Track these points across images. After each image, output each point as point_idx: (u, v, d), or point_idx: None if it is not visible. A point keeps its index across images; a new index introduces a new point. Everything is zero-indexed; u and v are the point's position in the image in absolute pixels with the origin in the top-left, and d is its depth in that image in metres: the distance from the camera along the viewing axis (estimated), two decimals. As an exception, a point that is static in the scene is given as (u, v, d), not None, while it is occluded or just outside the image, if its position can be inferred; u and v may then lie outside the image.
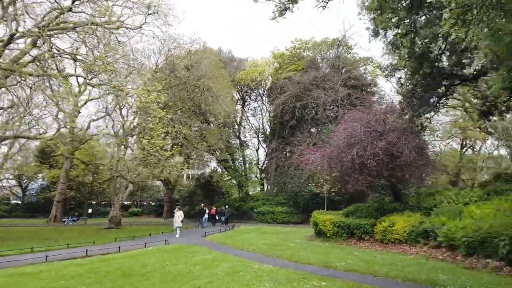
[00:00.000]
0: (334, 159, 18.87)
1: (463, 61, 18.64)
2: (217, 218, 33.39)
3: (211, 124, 40.57)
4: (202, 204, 33.95)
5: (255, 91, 47.63)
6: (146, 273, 11.11)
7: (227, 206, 35.30)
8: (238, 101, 47.49)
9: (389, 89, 76.06)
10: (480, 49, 10.83)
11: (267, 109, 47.85)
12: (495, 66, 12.00)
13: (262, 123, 48.58)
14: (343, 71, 41.14)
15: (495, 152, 40.83)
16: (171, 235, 23.57)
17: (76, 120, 31.10)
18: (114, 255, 15.47)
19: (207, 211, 32.18)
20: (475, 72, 20.26)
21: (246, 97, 48.13)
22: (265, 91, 46.79)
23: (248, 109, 49.61)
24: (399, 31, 22.08)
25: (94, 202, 53.50)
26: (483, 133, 35.34)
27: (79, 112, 29.60)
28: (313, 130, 40.89)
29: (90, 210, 46.74)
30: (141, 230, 28.74)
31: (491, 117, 21.27)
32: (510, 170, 21.76)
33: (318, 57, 44.85)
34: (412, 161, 17.40)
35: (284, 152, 41.05)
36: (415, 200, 19.52)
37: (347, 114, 21.22)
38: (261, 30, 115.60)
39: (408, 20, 19.41)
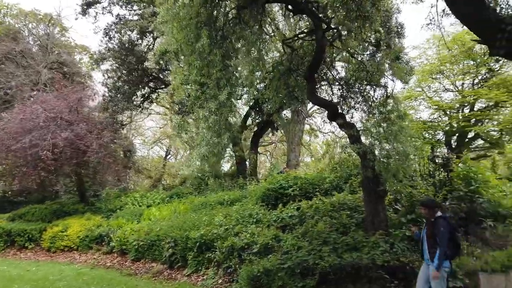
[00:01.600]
0: (1, 147, 14.57)
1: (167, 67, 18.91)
2: None
3: None
4: None
5: None
6: None
7: None
8: None
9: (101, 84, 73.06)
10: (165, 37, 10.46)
11: None
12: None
13: None
14: (54, 53, 35.23)
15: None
16: None
17: None
18: None
19: None
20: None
21: None
22: None
23: None
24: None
25: None
26: (184, 143, 38.63)
27: None
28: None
29: None
30: None
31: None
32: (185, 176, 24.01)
33: (24, 29, 36.67)
34: (102, 159, 15.64)
35: None
36: (102, 202, 17.78)
37: (34, 95, 17.24)
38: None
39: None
